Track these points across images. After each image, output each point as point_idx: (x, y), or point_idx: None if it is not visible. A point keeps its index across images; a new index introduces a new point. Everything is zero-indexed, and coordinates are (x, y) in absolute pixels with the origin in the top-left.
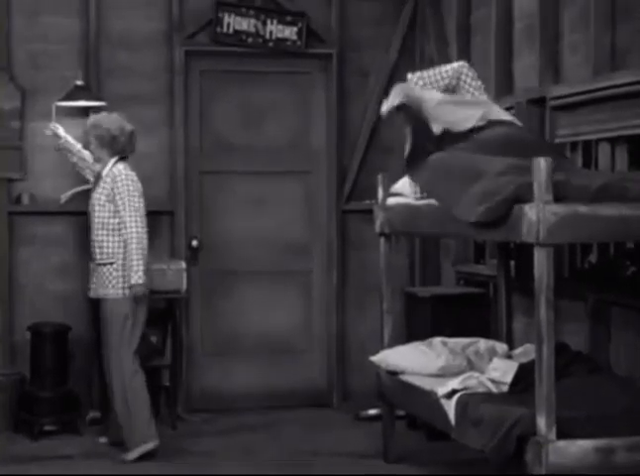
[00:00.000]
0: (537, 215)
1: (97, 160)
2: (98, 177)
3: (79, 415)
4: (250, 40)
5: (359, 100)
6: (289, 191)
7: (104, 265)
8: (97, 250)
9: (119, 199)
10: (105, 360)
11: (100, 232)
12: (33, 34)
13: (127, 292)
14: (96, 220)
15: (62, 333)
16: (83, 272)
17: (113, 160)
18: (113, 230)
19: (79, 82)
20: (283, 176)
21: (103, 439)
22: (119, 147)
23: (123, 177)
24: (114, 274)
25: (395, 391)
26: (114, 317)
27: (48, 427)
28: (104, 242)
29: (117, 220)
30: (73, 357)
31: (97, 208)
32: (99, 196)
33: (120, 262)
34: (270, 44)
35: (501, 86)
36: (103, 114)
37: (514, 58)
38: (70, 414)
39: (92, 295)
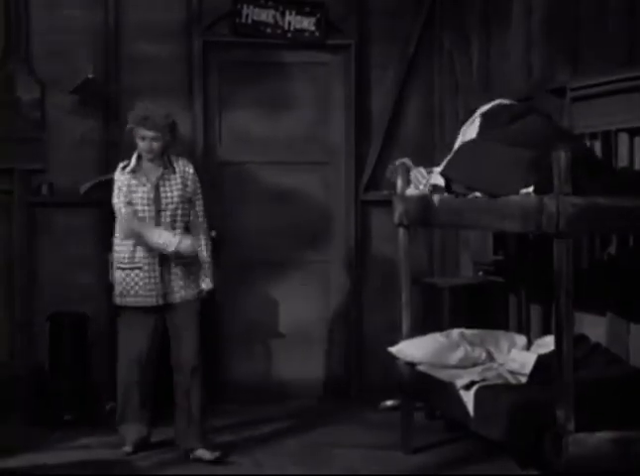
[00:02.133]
0: (556, 207)
1: (153, 159)
2: (164, 171)
3: (98, 405)
4: (268, 30)
5: (377, 91)
6: (308, 182)
7: (192, 265)
8: None
9: (193, 197)
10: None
11: (184, 230)
12: (52, 26)
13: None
14: (184, 218)
15: (82, 323)
16: (103, 263)
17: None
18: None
19: (90, 76)
20: (302, 166)
21: None
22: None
23: (192, 172)
24: (196, 273)
25: (414, 382)
26: (197, 316)
27: (66, 417)
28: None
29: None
30: (92, 347)
31: (187, 206)
32: (182, 193)
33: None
34: (289, 34)
35: (521, 77)
36: (157, 107)
37: (534, 48)
38: (89, 404)
39: (177, 300)
